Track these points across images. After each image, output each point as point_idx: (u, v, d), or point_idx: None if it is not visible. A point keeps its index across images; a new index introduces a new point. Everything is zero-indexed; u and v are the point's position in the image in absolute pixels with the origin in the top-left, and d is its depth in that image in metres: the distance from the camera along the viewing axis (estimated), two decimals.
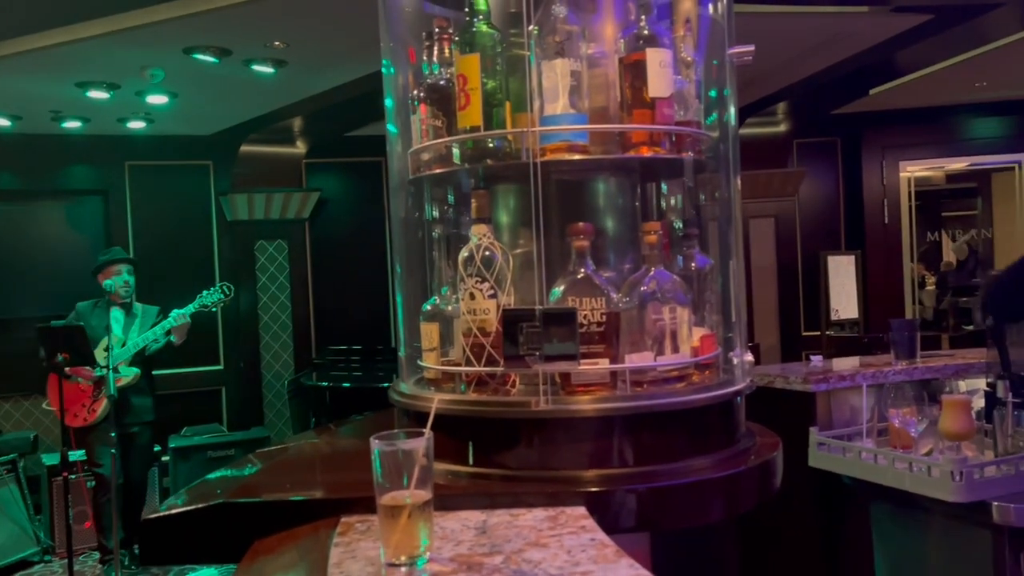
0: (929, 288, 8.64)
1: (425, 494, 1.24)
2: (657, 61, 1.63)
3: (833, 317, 6.75)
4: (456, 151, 1.73)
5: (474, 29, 1.66)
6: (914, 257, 7.54)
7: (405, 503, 1.22)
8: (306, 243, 7.28)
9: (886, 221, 7.34)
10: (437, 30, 1.77)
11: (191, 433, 6.25)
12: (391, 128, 1.91)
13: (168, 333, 4.85)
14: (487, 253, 1.66)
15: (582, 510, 1.46)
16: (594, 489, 1.51)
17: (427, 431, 1.26)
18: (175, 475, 5.91)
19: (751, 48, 1.75)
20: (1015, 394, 2.68)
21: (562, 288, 1.62)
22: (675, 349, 1.68)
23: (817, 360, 3.33)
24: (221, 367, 7.09)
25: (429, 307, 1.87)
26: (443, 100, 1.73)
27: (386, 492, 1.23)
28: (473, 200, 1.68)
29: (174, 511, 1.53)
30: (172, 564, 1.36)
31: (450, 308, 1.84)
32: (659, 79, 1.63)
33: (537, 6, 1.61)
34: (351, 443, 2.20)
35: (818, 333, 6.90)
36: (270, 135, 6.72)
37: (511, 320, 1.58)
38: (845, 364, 3.32)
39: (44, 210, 6.81)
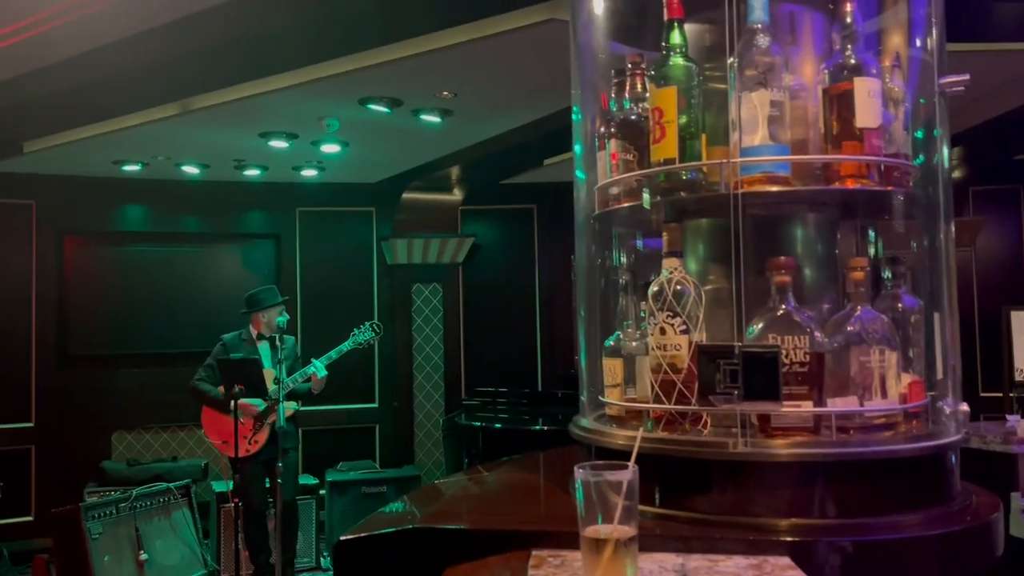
0: None
1: (630, 530, 1.20)
2: (865, 91, 1.56)
3: (1018, 377, 6.19)
4: (645, 192, 1.70)
5: (671, 63, 1.65)
6: None
7: (610, 537, 1.18)
8: (459, 287, 7.46)
9: None
10: (631, 65, 1.78)
11: (347, 468, 6.45)
12: (579, 174, 1.91)
13: (307, 380, 5.06)
14: (679, 287, 1.62)
15: (787, 560, 1.37)
16: (797, 539, 1.42)
17: (632, 464, 1.22)
18: (331, 508, 6.10)
19: (965, 77, 1.65)
20: None
21: (760, 325, 1.55)
22: (883, 395, 1.57)
23: (1015, 420, 3.05)
24: (376, 405, 7.31)
25: (612, 342, 1.84)
26: (635, 135, 1.72)
27: (590, 525, 1.20)
28: (665, 233, 1.65)
29: (365, 534, 1.55)
30: None
31: (633, 344, 1.81)
32: (867, 109, 1.56)
33: (737, 38, 1.59)
34: (523, 478, 2.18)
35: (999, 394, 6.34)
36: (430, 183, 6.98)
37: (707, 357, 1.53)
38: None
39: (222, 252, 7.33)
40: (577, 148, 1.94)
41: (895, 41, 1.71)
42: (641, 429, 1.30)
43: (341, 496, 6.14)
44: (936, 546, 1.49)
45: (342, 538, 1.53)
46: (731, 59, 1.59)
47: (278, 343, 4.96)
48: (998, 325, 6.38)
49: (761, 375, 1.48)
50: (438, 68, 4.36)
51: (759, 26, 1.58)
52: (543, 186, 7.22)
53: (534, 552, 1.45)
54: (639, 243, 1.90)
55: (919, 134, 1.74)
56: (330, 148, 5.72)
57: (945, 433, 1.61)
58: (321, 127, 5.16)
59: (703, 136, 1.65)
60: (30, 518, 5.85)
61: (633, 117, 1.74)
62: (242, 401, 4.89)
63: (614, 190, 1.77)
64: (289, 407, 5.12)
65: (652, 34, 1.79)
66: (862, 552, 1.43)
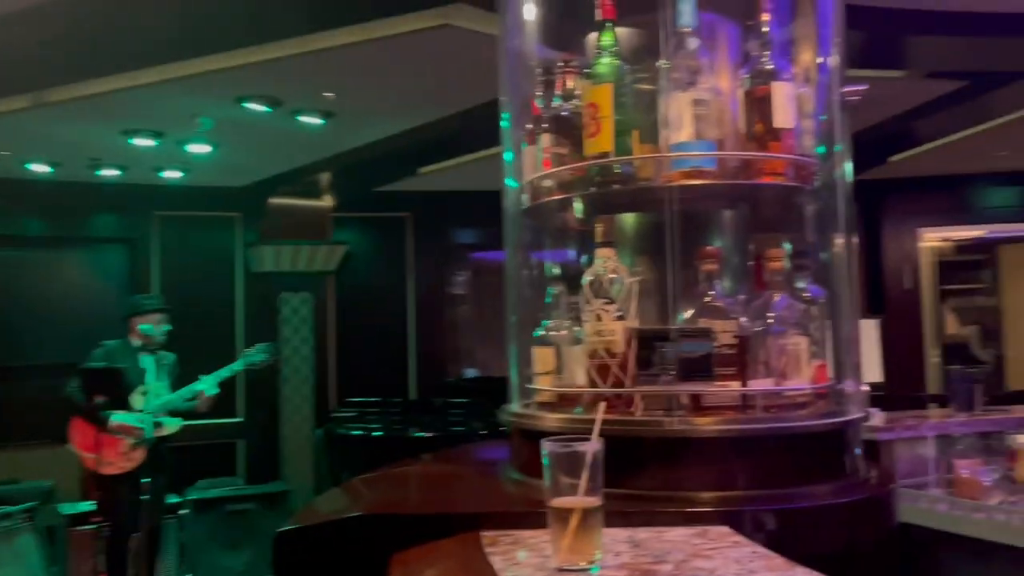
0: (934, 360, 8.68)
1: (596, 500, 1.24)
2: (782, 94, 1.69)
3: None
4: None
5: (604, 60, 1.72)
6: (939, 325, 7.59)
7: (577, 507, 1.22)
8: (330, 296, 7.30)
9: (906, 287, 7.43)
10: (562, 63, 1.84)
11: (208, 486, 6.15)
12: (510, 182, 1.95)
13: (195, 399, 4.79)
14: (613, 276, 1.69)
15: (726, 528, 1.45)
16: (731, 509, 1.51)
17: (597, 438, 1.26)
18: (193, 528, 5.79)
19: (864, 87, 1.82)
20: None
21: (691, 312, 1.64)
22: (798, 375, 1.70)
23: (875, 412, 3.34)
24: (239, 419, 7.01)
25: (542, 331, 1.88)
26: (567, 129, 1.78)
27: (558, 496, 1.23)
28: (598, 225, 1.72)
29: (308, 523, 1.51)
30: None
31: (564, 332, 1.86)
32: (784, 111, 1.69)
33: (667, 41, 1.68)
34: (449, 468, 2.18)
35: None
36: (300, 188, 6.80)
37: (645, 340, 1.61)
38: (906, 415, 3.33)
39: (70, 257, 6.85)
40: (508, 155, 1.97)
41: (804, 55, 1.85)
42: (602, 406, 1.34)
43: (204, 514, 5.84)
44: (846, 513, 1.62)
45: (282, 529, 1.48)
46: (662, 61, 1.68)
47: (158, 358, 4.65)
48: None
49: (696, 356, 1.56)
50: (321, 68, 4.28)
51: (688, 30, 1.68)
52: (417, 194, 7.21)
53: (484, 533, 1.46)
54: (567, 237, 1.95)
55: (821, 149, 1.87)
56: (199, 148, 5.47)
57: (850, 411, 1.75)
58: (193, 125, 4.93)
59: (635, 132, 1.72)
60: None
61: (565, 113, 1.80)
62: (121, 421, 4.51)
63: (547, 183, 1.82)
64: (173, 424, 4.78)
65: (578, 37, 1.87)
66: (784, 519, 1.54)
